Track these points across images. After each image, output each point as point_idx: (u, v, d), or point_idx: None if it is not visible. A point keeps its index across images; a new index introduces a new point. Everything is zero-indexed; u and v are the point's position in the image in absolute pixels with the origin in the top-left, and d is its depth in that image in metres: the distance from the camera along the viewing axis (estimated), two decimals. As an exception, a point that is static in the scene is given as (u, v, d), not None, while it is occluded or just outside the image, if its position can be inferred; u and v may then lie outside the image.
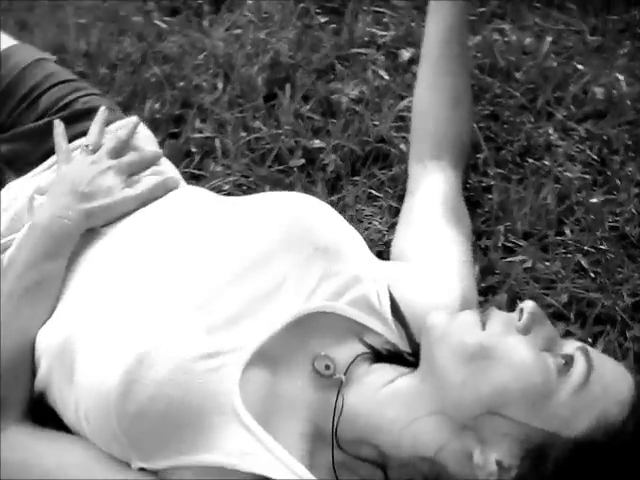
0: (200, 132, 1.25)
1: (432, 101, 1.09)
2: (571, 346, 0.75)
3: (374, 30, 1.38)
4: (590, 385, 0.70)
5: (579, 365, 0.71)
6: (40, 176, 0.98)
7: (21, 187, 0.98)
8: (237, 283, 0.78)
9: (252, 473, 0.71)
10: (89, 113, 1.03)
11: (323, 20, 1.43)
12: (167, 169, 1.03)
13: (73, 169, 0.93)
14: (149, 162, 0.99)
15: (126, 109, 1.29)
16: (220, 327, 0.75)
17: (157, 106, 1.29)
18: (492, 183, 1.08)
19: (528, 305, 0.76)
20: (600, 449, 0.68)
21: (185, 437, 0.71)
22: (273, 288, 0.79)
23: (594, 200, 1.03)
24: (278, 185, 1.16)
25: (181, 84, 1.33)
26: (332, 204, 1.11)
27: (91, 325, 0.78)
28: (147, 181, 0.95)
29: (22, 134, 1.01)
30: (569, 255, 0.99)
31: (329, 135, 1.20)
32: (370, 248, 1.04)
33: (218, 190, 1.16)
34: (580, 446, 0.68)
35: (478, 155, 1.11)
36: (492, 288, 0.98)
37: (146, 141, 1.06)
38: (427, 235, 0.97)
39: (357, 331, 0.81)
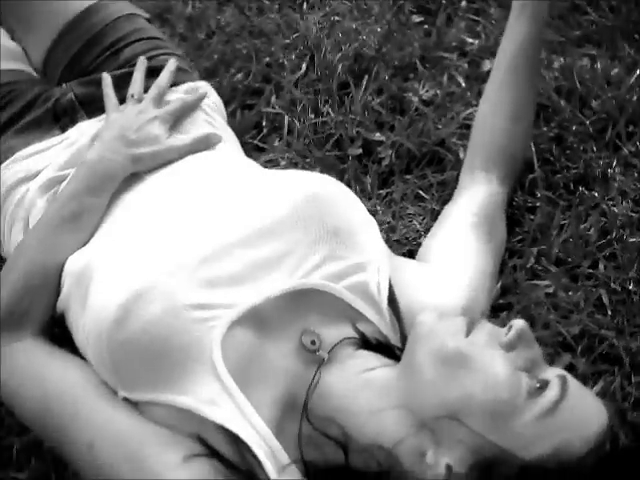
0: (273, 108, 1.30)
1: (492, 113, 1.09)
2: (552, 372, 0.74)
3: (464, 37, 1.38)
4: (557, 413, 0.69)
5: (552, 392, 0.70)
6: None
7: (89, 127, 1.05)
8: (244, 246, 0.82)
9: (215, 423, 0.74)
10: (161, 71, 1.09)
11: (417, 20, 1.45)
12: (219, 125, 1.09)
13: (122, 117, 0.99)
14: (191, 107, 1.04)
15: (210, 75, 1.36)
16: (219, 283, 0.79)
17: (239, 76, 1.35)
18: (538, 205, 1.07)
19: (518, 323, 0.75)
20: (549, 478, 0.69)
21: (163, 375, 0.76)
22: (277, 258, 0.82)
23: (633, 239, 1.00)
24: (331, 169, 1.18)
25: (267, 59, 1.38)
26: (379, 197, 1.15)
27: (109, 256, 0.84)
28: (191, 134, 1.00)
29: (98, 81, 1.07)
30: (594, 289, 0.97)
31: (391, 130, 1.22)
32: (403, 246, 1.07)
33: (275, 165, 1.22)
34: (530, 470, 0.68)
35: (531, 174, 1.09)
36: (509, 306, 0.97)
37: (212, 107, 1.13)
38: (451, 241, 0.98)
39: (351, 316, 0.83)
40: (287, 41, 1.42)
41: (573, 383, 0.73)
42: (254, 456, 0.75)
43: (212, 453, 0.75)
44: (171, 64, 1.06)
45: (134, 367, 0.77)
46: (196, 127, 1.03)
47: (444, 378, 0.72)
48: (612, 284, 0.96)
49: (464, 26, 1.40)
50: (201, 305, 0.77)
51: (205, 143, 1.00)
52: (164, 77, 1.05)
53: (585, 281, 0.98)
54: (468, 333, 0.75)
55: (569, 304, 0.94)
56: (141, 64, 1.06)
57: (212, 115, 1.10)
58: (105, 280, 0.82)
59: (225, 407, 0.76)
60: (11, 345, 0.87)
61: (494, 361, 0.72)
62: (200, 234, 0.83)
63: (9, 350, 0.86)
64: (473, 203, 1.03)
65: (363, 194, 1.16)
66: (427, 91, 1.27)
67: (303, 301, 0.81)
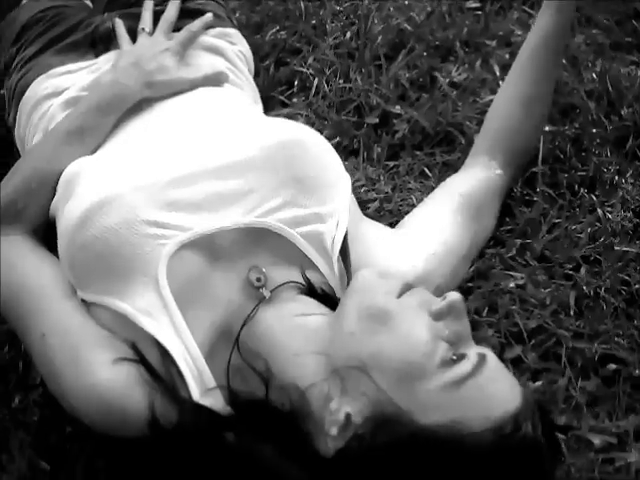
0: (307, 68, 1.33)
1: (505, 100, 1.07)
2: (475, 350, 0.73)
3: (513, 27, 1.36)
4: (464, 388, 0.68)
5: (464, 366, 0.69)
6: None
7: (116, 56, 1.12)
8: (212, 177, 0.84)
9: (148, 334, 0.78)
10: (196, 14, 1.12)
11: (472, 5, 1.44)
12: (238, 72, 1.12)
13: (136, 48, 1.04)
14: (197, 34, 1.08)
15: (258, 29, 1.40)
16: (180, 207, 0.82)
17: (283, 34, 1.38)
18: (535, 199, 1.04)
19: (452, 295, 0.75)
20: (439, 449, 0.67)
21: (110, 280, 0.80)
22: (239, 194, 0.84)
23: (618, 248, 0.96)
24: (345, 134, 1.19)
25: (314, 22, 1.39)
26: (385, 167, 1.15)
27: (95, 167, 0.89)
28: (202, 69, 1.04)
29: (138, 14, 1.12)
30: (565, 289, 0.94)
31: (411, 106, 1.22)
32: (394, 217, 1.08)
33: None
34: (422, 434, 0.67)
35: (534, 169, 1.07)
36: (476, 290, 0.96)
37: (237, 54, 1.16)
38: (431, 215, 0.97)
39: (302, 263, 0.84)
40: (339, 8, 1.45)
41: (492, 364, 0.72)
42: (180, 374, 0.79)
43: (141, 361, 0.79)
44: (207, 17, 1.10)
45: (88, 269, 0.81)
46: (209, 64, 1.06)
47: (364, 332, 0.73)
48: (584, 287, 0.93)
49: (516, 17, 1.38)
50: (157, 223, 0.80)
51: (214, 79, 1.03)
52: (171, 10, 1.09)
53: (561, 280, 0.95)
54: (400, 295, 0.76)
55: (535, 299, 0.92)
56: (148, 2, 1.10)
57: (234, 61, 1.13)
58: (82, 187, 0.86)
59: (160, 320, 0.79)
60: (1, 236, 0.95)
61: (415, 325, 0.72)
62: (175, 159, 0.86)
63: (8, 238, 0.92)
64: (465, 184, 1.01)
65: (370, 162, 1.16)
66: (459, 74, 1.26)
67: (258, 240, 0.83)
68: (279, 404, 0.75)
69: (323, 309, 0.82)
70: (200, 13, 1.13)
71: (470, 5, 1.40)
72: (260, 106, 1.15)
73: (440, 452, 0.67)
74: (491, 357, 0.73)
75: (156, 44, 1.04)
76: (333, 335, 0.75)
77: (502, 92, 1.09)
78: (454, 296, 0.74)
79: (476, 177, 1.03)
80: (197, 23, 1.08)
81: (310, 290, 0.83)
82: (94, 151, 0.97)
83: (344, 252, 0.86)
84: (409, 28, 1.32)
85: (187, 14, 1.12)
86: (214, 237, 0.82)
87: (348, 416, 0.70)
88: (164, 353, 0.78)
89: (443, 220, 0.96)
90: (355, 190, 1.09)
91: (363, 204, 1.09)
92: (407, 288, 0.76)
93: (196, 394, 0.78)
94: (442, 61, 1.30)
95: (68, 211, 0.84)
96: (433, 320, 0.73)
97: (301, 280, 0.83)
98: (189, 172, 0.85)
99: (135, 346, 0.79)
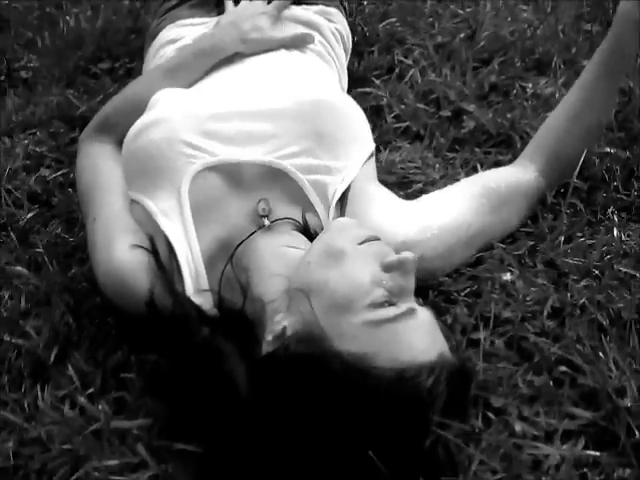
0: (408, 58, 1.42)
1: (554, 113, 1.09)
2: (409, 304, 0.80)
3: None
4: (382, 329, 0.75)
5: (388, 311, 0.76)
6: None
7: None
8: (246, 118, 0.98)
9: (161, 229, 0.92)
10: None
11: (590, 28, 1.44)
12: (330, 48, 1.24)
13: (238, 9, 1.20)
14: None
15: (381, 18, 1.52)
16: (214, 137, 0.96)
17: (398, 26, 1.49)
18: (563, 210, 1.04)
19: (405, 254, 0.82)
20: (344, 373, 0.73)
21: (144, 182, 0.96)
22: (266, 136, 0.96)
23: (620, 268, 0.94)
24: (415, 120, 1.27)
25: (431, 20, 1.50)
26: (444, 157, 1.22)
27: (168, 96, 1.05)
28: (290, 31, 1.18)
29: None
30: (552, 292, 0.95)
31: (488, 107, 1.27)
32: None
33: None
34: (333, 357, 0.73)
35: (569, 180, 1.06)
36: (467, 273, 0.99)
37: (333, 32, 1.28)
38: (448, 195, 1.03)
39: (305, 206, 0.94)
40: (460, 11, 1.52)
41: (420, 319, 0.77)
42: (180, 272, 0.93)
43: (153, 252, 0.95)
44: None
45: (133, 171, 0.98)
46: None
47: (318, 263, 0.82)
48: (572, 296, 0.93)
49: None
50: (192, 145, 0.95)
51: (300, 40, 1.17)
52: None
53: (555, 287, 0.96)
54: (362, 243, 0.85)
55: (518, 294, 0.94)
56: None
57: (328, 37, 1.25)
58: (152, 109, 1.05)
59: (174, 223, 0.93)
60: (94, 141, 1.12)
61: (362, 268, 0.80)
62: (224, 98, 1.01)
63: (91, 143, 1.12)
64: (495, 177, 1.05)
65: (432, 150, 1.24)
66: (547, 88, 1.29)
67: (272, 178, 0.95)
68: (249, 314, 0.88)
69: (309, 246, 0.92)
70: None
71: (587, 28, 1.41)
72: (344, 79, 1.27)
73: (344, 376, 0.74)
74: (423, 314, 0.79)
75: (255, 7, 1.19)
76: (298, 263, 0.86)
77: (560, 104, 1.10)
78: (407, 254, 0.81)
79: (509, 174, 1.06)
80: None
81: (304, 229, 0.94)
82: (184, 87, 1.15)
83: (342, 203, 0.96)
84: (510, 38, 1.36)
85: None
86: (236, 167, 0.95)
87: (284, 328, 0.79)
88: (171, 251, 0.93)
89: (456, 202, 1.00)
90: (406, 169, 1.18)
91: (408, 184, 1.16)
92: (371, 239, 0.84)
93: (190, 291, 0.91)
94: (537, 74, 1.34)
95: (133, 126, 1.02)
96: (382, 270, 0.81)
97: (299, 219, 0.94)
98: (230, 110, 0.99)
99: (152, 240, 0.94)
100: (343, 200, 0.96)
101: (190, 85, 1.14)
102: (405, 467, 0.73)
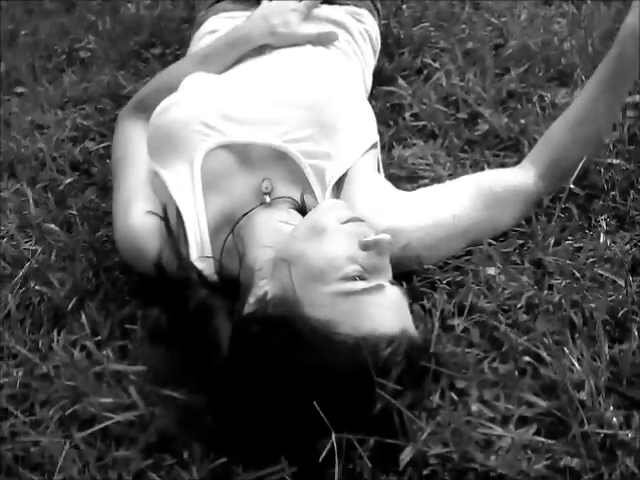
0: (435, 62, 1.48)
1: (558, 119, 1.13)
2: (381, 281, 0.86)
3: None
4: (349, 300, 0.82)
5: (357, 284, 0.83)
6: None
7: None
8: (261, 104, 1.06)
9: (173, 199, 1.01)
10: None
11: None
12: (355, 47, 1.31)
13: (271, 5, 1.28)
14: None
15: (413, 21, 1.58)
16: (229, 119, 1.05)
17: (432, 29, 1.55)
18: (557, 214, 1.08)
19: (382, 235, 0.88)
20: (309, 335, 0.80)
21: (163, 155, 1.05)
22: (277, 122, 1.04)
23: (602, 272, 0.98)
24: (433, 120, 1.33)
25: (463, 25, 1.55)
26: (456, 158, 1.27)
27: (194, 81, 1.14)
28: (316, 29, 1.26)
29: None
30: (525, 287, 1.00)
31: (503, 112, 1.32)
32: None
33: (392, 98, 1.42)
34: (301, 320, 0.81)
35: (565, 185, 1.09)
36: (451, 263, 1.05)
37: (362, 32, 1.35)
38: (444, 188, 1.09)
39: (304, 187, 1.02)
40: (494, 20, 1.57)
41: (388, 296, 0.84)
42: (186, 239, 1.02)
43: (165, 219, 1.04)
44: None
45: (154, 144, 1.07)
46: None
47: (301, 237, 0.89)
48: (551, 293, 0.98)
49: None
50: (207, 125, 1.04)
51: (325, 38, 1.25)
52: None
53: (537, 284, 0.99)
54: (345, 221, 0.91)
55: (498, 287, 0.99)
56: None
57: (355, 36, 1.33)
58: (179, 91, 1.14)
59: (185, 193, 1.01)
60: (130, 119, 1.23)
61: (340, 245, 0.86)
62: (244, 85, 1.10)
63: (128, 120, 1.23)
64: (494, 177, 1.10)
65: (445, 149, 1.29)
66: (564, 98, 1.32)
67: (277, 160, 1.03)
68: (242, 281, 0.96)
69: None
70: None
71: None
72: (368, 77, 1.34)
73: (309, 339, 0.81)
74: (391, 291, 0.86)
75: (287, 4, 1.27)
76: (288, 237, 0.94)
77: (562, 115, 1.14)
78: (383, 236, 0.88)
79: (509, 175, 1.10)
80: None
81: (301, 208, 1.01)
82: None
83: (339, 188, 1.03)
84: (537, 48, 1.40)
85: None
86: (246, 147, 1.04)
87: (265, 293, 0.87)
88: (180, 219, 1.02)
89: (451, 196, 1.06)
90: (417, 165, 1.24)
91: (416, 179, 1.22)
92: (354, 220, 0.91)
93: (194, 256, 1.00)
94: (559, 84, 1.37)
95: (160, 104, 1.12)
96: (360, 248, 0.88)
97: (298, 199, 1.02)
98: (248, 96, 1.08)
99: (165, 208, 1.04)
100: (340, 185, 1.03)
101: (221, 72, 1.23)
102: (354, 426, 0.79)
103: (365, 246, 0.88)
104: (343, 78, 1.18)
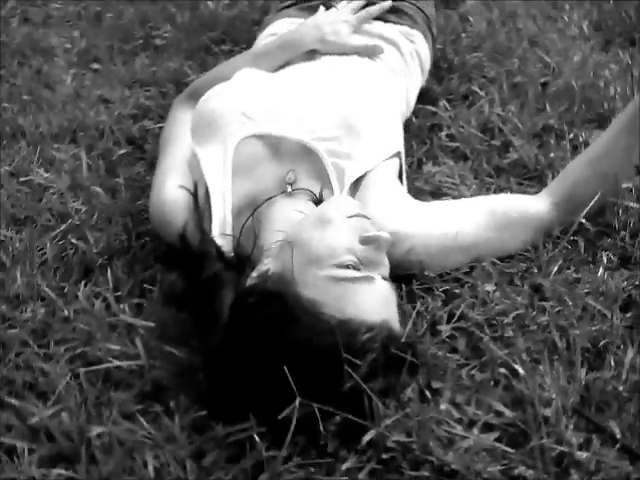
0: (481, 90, 1.54)
1: (580, 156, 1.19)
2: (372, 273, 0.93)
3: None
4: (338, 285, 0.90)
5: (349, 272, 0.91)
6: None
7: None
8: (298, 104, 1.16)
9: (204, 177, 1.11)
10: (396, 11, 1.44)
11: None
12: (403, 65, 1.40)
13: (325, 14, 1.38)
14: (371, 15, 1.40)
15: (468, 49, 1.65)
16: (266, 112, 1.14)
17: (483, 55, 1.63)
18: (563, 244, 1.13)
19: (383, 233, 0.95)
20: (297, 311, 0.88)
21: (201, 136, 1.15)
22: (309, 121, 1.13)
23: (592, 304, 1.03)
24: (467, 144, 1.39)
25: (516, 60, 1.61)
26: (482, 181, 1.33)
27: (243, 75, 1.25)
28: (363, 40, 1.35)
29: None
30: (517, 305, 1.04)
31: (538, 147, 1.37)
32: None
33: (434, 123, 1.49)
34: (292, 297, 0.89)
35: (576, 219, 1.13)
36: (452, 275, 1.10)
37: (411, 52, 1.43)
38: (453, 203, 1.16)
39: (324, 183, 1.10)
40: (548, 59, 1.62)
41: (377, 287, 0.92)
42: (211, 216, 1.11)
43: (194, 195, 1.13)
44: (386, 4, 1.41)
45: (196, 126, 1.18)
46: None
47: (308, 224, 0.98)
48: (537, 315, 1.03)
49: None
50: (245, 115, 1.14)
51: (370, 50, 1.34)
52: (375, 8, 1.40)
53: (530, 306, 1.04)
54: (351, 216, 0.98)
55: (491, 302, 1.04)
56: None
57: (405, 55, 1.40)
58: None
59: (216, 173, 1.11)
60: (182, 105, 1.35)
61: (341, 236, 0.95)
62: (285, 84, 1.21)
63: (180, 105, 1.35)
64: (510, 200, 1.15)
65: (473, 172, 1.34)
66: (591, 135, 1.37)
67: (304, 155, 1.12)
68: (252, 259, 1.04)
69: None
70: (401, 12, 1.44)
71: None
72: (413, 94, 1.42)
73: (297, 315, 0.88)
74: (381, 285, 0.93)
75: (340, 15, 1.37)
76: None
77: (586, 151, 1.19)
78: (383, 234, 0.95)
79: (525, 201, 1.16)
80: (376, 8, 1.38)
81: (318, 202, 1.09)
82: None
83: (356, 188, 1.10)
84: (581, 89, 1.44)
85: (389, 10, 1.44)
86: (278, 140, 1.13)
87: (267, 269, 0.96)
88: (208, 198, 1.11)
89: (463, 212, 1.12)
90: (442, 182, 1.30)
91: (439, 195, 1.28)
92: (360, 216, 0.99)
93: (215, 232, 1.09)
94: (597, 127, 1.41)
95: (207, 92, 1.22)
96: (360, 242, 0.95)
97: (317, 193, 1.10)
98: (288, 94, 1.18)
99: (196, 185, 1.13)
100: (357, 185, 1.10)
101: (271, 71, 1.33)
102: (324, 401, 0.86)
103: (365, 240, 0.95)
104: (380, 89, 1.26)
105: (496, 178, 1.32)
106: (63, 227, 1.27)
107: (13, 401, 0.97)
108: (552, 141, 1.36)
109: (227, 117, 1.14)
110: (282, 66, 1.35)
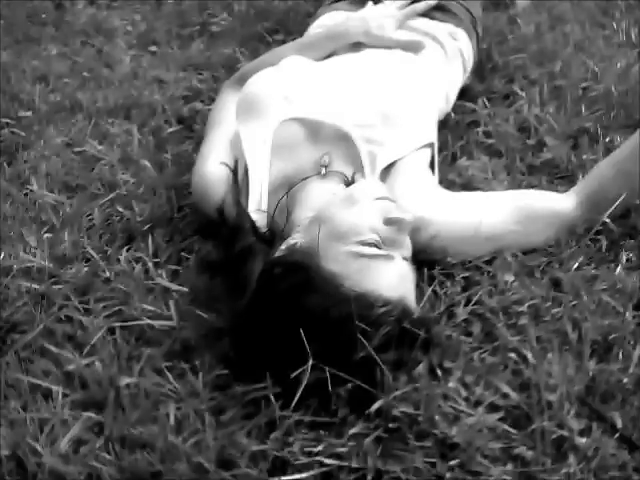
0: (522, 91, 1.58)
1: (607, 157, 1.21)
2: (394, 253, 0.99)
3: None
4: (359, 260, 0.95)
5: (371, 250, 0.96)
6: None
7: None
8: (338, 92, 1.22)
9: (244, 155, 1.18)
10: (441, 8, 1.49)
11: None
12: (443, 60, 1.44)
13: (372, 10, 1.44)
14: (416, 12, 1.45)
15: (511, 51, 1.68)
16: (308, 98, 1.21)
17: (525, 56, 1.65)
18: (584, 241, 1.15)
19: (407, 214, 1.01)
20: (319, 282, 0.94)
21: (244, 116, 1.22)
22: (348, 108, 1.19)
23: (604, 297, 1.06)
24: (503, 143, 1.42)
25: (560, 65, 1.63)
26: (514, 178, 1.36)
27: (289, 62, 1.32)
28: (407, 36, 1.40)
29: None
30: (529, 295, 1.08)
31: (573, 148, 1.40)
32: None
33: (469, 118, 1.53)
34: (315, 268, 0.95)
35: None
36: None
37: (452, 49, 1.47)
38: (481, 194, 1.20)
39: (357, 167, 1.15)
40: (593, 66, 1.64)
41: (396, 266, 0.97)
42: (248, 192, 1.17)
43: (233, 172, 1.20)
44: (432, 2, 1.46)
45: (241, 107, 1.25)
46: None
47: (336, 203, 1.04)
48: (552, 306, 1.06)
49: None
50: (287, 98, 1.20)
51: (412, 47, 1.39)
52: (421, 6, 1.45)
53: (546, 297, 1.08)
54: (378, 198, 1.04)
55: (509, 291, 1.09)
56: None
57: (448, 52, 1.44)
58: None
59: (256, 152, 1.18)
60: (231, 88, 1.42)
61: (366, 216, 1.00)
62: (328, 73, 1.27)
63: (229, 88, 1.43)
64: (537, 196, 1.19)
65: (507, 169, 1.37)
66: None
67: (340, 140, 1.17)
68: (284, 232, 1.10)
69: None
70: (446, 10, 1.48)
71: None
72: (453, 90, 1.47)
73: (319, 285, 0.94)
74: (400, 264, 0.98)
75: (386, 10, 1.42)
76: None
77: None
78: (407, 216, 1.00)
79: (552, 197, 1.19)
80: (422, 5, 1.43)
81: (350, 184, 1.14)
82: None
83: (387, 175, 1.16)
84: (619, 95, 1.46)
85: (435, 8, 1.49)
86: (317, 125, 1.19)
87: (295, 243, 1.02)
88: (247, 174, 1.18)
89: (491, 204, 1.16)
90: (475, 176, 1.34)
91: (470, 188, 1.31)
92: (385, 198, 1.04)
93: (251, 208, 1.15)
94: (633, 132, 1.42)
95: (255, 75, 1.29)
96: (383, 223, 1.01)
97: (349, 176, 1.15)
98: (330, 81, 1.24)
99: (236, 162, 1.20)
100: (388, 171, 1.16)
101: (317, 59, 1.39)
102: (337, 367, 0.91)
103: (388, 221, 1.00)
104: (418, 84, 1.31)
105: (528, 176, 1.35)
106: (111, 196, 1.36)
107: (53, 349, 1.05)
108: (586, 143, 1.38)
109: (270, 100, 1.21)
110: (327, 56, 1.41)
